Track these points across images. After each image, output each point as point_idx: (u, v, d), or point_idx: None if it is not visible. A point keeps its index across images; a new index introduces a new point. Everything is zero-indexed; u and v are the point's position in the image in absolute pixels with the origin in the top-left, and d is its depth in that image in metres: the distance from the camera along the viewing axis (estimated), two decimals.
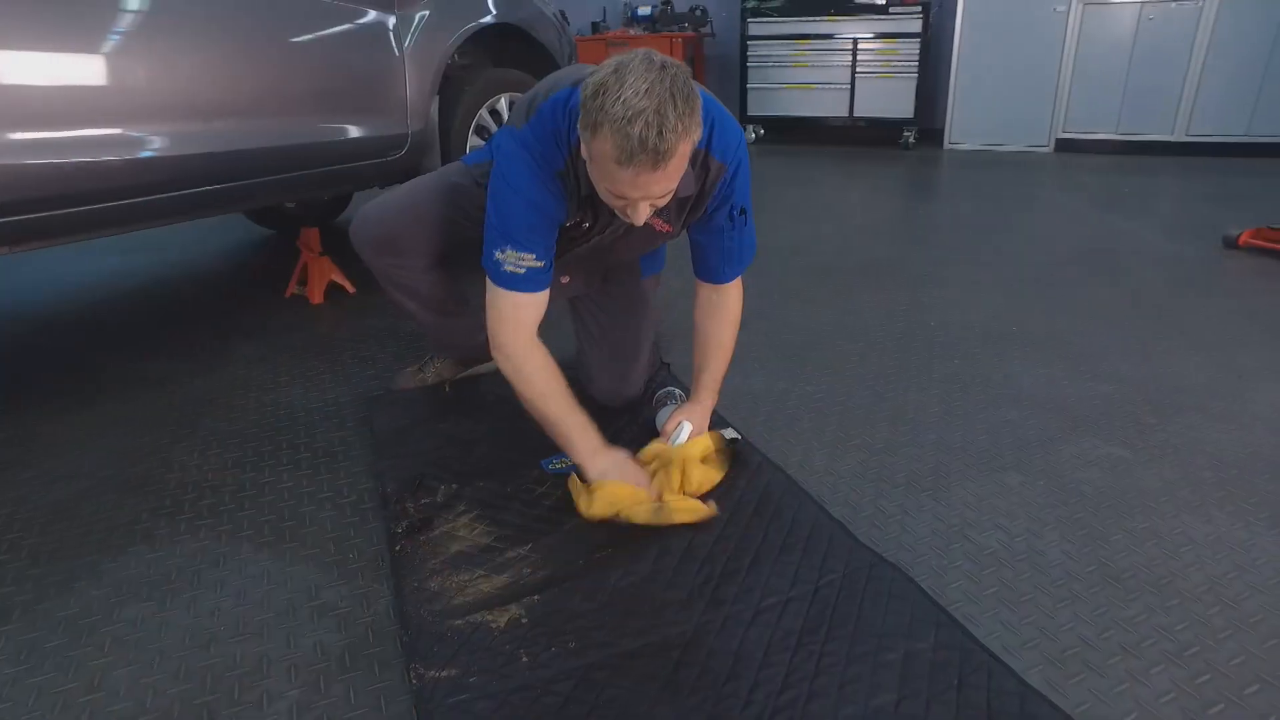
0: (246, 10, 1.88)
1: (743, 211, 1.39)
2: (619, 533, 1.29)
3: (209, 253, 3.22)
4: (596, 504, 1.29)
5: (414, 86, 2.32)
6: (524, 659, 1.03)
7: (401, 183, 2.49)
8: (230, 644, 1.12)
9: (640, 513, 1.29)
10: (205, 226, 3.54)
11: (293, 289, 2.60)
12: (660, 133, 1.03)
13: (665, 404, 1.68)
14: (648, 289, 1.72)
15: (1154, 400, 1.76)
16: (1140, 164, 4.80)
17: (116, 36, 1.63)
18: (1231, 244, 2.92)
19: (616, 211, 1.22)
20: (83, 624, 1.17)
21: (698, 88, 1.25)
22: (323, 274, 2.57)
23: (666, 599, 1.13)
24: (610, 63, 1.08)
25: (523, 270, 1.30)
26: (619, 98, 1.03)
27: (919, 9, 5.23)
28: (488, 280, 1.33)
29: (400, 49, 2.26)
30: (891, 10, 5.28)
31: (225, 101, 1.85)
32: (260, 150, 1.95)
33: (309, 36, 2.04)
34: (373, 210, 1.61)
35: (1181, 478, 1.46)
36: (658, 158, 1.05)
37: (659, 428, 1.56)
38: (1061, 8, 4.93)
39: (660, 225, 1.40)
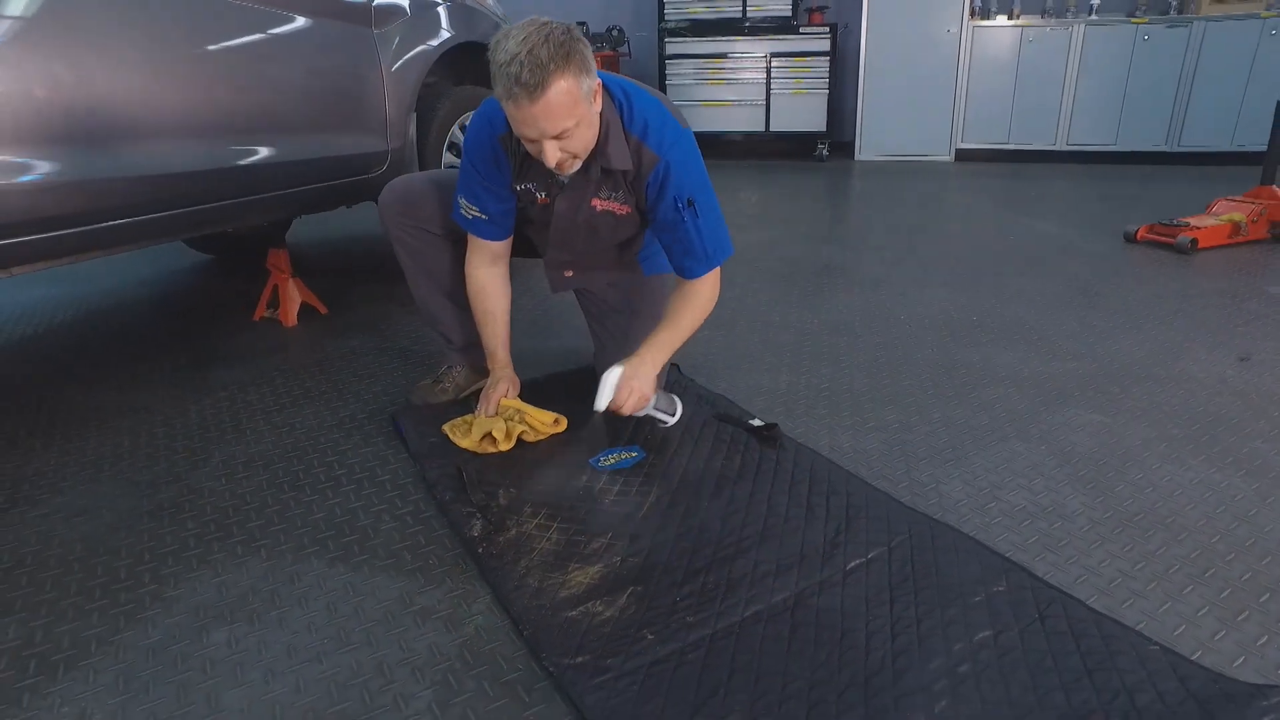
0: (238, 27, 1.85)
1: (690, 203, 1.48)
2: (691, 514, 1.36)
3: (145, 279, 3.05)
4: (474, 431, 1.62)
5: (393, 103, 2.32)
6: (649, 636, 1.08)
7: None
8: (341, 654, 1.11)
9: (499, 428, 1.60)
10: (130, 253, 3.34)
11: (262, 312, 2.52)
12: (531, 69, 1.21)
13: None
14: (655, 287, 1.78)
15: (1112, 372, 1.99)
16: (1032, 170, 5.29)
17: (103, 46, 1.58)
18: (1131, 238, 3.29)
19: (536, 157, 1.37)
20: (172, 650, 1.13)
21: (633, 87, 1.48)
22: (295, 296, 2.50)
23: (760, 570, 1.21)
24: (509, 26, 1.29)
25: (470, 218, 1.60)
26: (503, 47, 1.24)
27: (826, 29, 5.57)
28: None
29: (381, 66, 2.26)
30: (801, 30, 5.61)
31: (221, 118, 1.81)
32: (251, 166, 1.92)
33: (297, 53, 2.02)
34: (403, 179, 1.78)
35: (1156, 435, 1.67)
36: (531, 90, 1.22)
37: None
38: (954, 29, 5.38)
39: (617, 208, 1.53)
